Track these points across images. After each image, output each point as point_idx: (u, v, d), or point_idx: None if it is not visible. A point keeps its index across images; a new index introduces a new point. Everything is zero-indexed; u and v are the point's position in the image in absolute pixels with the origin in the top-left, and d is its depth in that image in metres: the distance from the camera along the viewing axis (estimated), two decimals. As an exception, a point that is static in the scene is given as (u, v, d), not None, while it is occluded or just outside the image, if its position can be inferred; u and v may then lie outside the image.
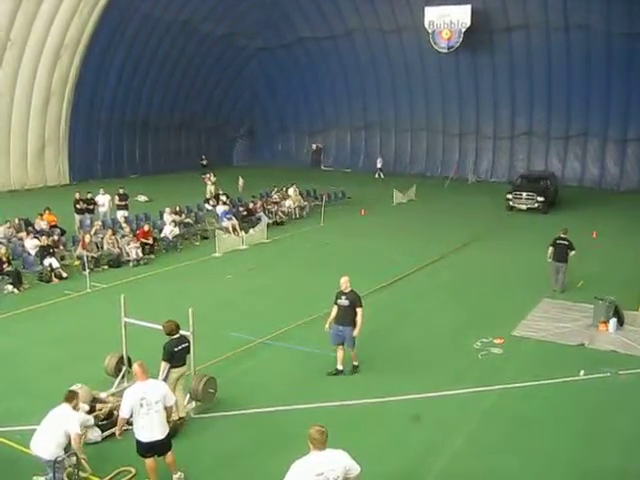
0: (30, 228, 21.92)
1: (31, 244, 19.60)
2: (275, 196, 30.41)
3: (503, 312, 15.85)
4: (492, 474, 9.01)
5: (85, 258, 18.76)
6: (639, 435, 10.10)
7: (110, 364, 11.25)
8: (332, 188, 34.85)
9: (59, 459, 8.01)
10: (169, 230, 23.03)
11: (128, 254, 20.78)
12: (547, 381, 11.86)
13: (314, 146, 53.15)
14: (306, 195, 32.52)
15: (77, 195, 25.28)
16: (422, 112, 46.97)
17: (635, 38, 37.03)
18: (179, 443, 9.14)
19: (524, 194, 31.71)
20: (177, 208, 25.36)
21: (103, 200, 26.12)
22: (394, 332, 14.57)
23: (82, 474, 8.45)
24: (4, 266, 17.92)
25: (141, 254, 20.99)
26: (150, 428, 8.16)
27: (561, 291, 17.56)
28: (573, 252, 17.59)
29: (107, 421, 9.86)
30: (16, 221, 22.67)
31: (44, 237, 19.92)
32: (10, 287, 17.55)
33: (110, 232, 21.25)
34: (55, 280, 18.63)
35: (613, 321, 14.53)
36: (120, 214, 25.27)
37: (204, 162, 46.23)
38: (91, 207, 25.42)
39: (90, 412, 9.66)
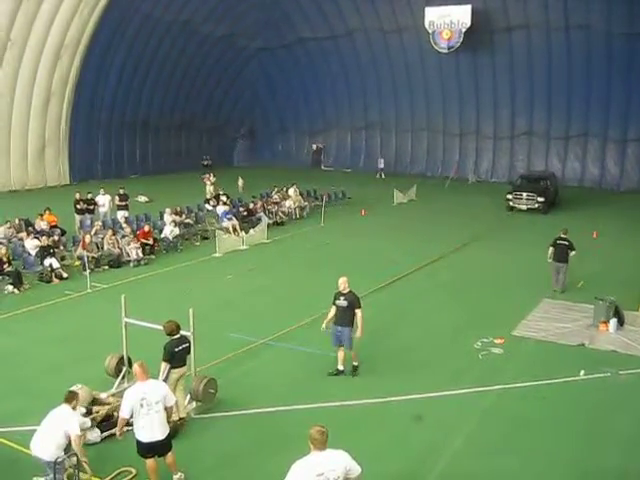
0: (30, 228, 21.93)
1: (31, 244, 19.60)
2: (275, 196, 30.40)
3: (503, 312, 15.85)
4: (493, 474, 9.01)
5: (85, 258, 18.76)
6: (639, 435, 10.10)
7: (110, 364, 11.25)
8: (332, 188, 34.86)
9: (59, 460, 8.00)
10: (169, 230, 23.04)
11: (128, 254, 20.78)
12: (547, 381, 11.86)
13: (314, 146, 53.17)
14: (306, 195, 32.52)
15: (77, 195, 25.27)
16: (422, 112, 47.00)
17: (635, 38, 37.05)
18: (179, 443, 9.14)
19: (524, 194, 31.70)
20: (177, 208, 25.38)
21: (103, 200, 26.12)
22: (394, 332, 14.57)
23: (82, 475, 8.45)
24: (4, 266, 17.92)
25: (141, 254, 20.99)
26: (150, 428, 8.16)
27: (561, 291, 17.56)
28: (573, 252, 17.58)
29: (107, 422, 9.86)
30: (16, 221, 22.67)
31: (44, 237, 19.93)
32: (10, 287, 17.56)
33: (110, 232, 21.25)
34: (55, 280, 18.63)
35: (613, 321, 14.53)
36: (120, 214, 25.27)
37: (207, 162, 46.19)
38: (91, 207, 25.42)
39: (87, 415, 9.65)
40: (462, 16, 40.99)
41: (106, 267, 20.26)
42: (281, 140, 54.67)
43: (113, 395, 10.68)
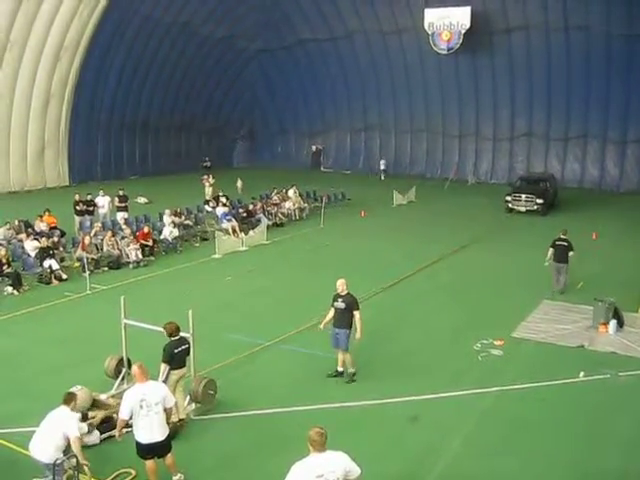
0: (30, 230, 21.92)
1: (31, 246, 19.59)
2: (275, 197, 30.41)
3: (503, 314, 15.85)
4: (492, 475, 9.01)
5: (85, 260, 18.77)
6: (639, 437, 10.10)
7: (110, 366, 11.25)
8: (332, 189, 34.86)
9: (58, 462, 7.99)
10: (168, 231, 23.04)
11: (128, 256, 20.78)
12: (547, 383, 11.86)
13: (314, 147, 53.17)
14: (306, 196, 32.54)
15: (77, 197, 25.28)
16: (422, 113, 47.02)
17: (634, 39, 37.09)
18: (179, 445, 9.14)
19: (523, 196, 31.68)
20: (177, 210, 25.39)
21: (103, 202, 26.14)
22: (394, 334, 14.57)
23: (82, 477, 8.44)
24: (4, 268, 17.92)
25: (141, 256, 20.99)
26: (150, 429, 8.16)
27: (561, 292, 17.56)
28: (572, 253, 17.60)
29: (106, 424, 9.85)
30: (16, 223, 22.67)
31: (44, 239, 19.94)
32: (10, 289, 17.55)
33: (110, 234, 21.24)
34: (55, 282, 18.62)
35: (613, 323, 14.54)
36: (120, 216, 25.29)
37: (207, 164, 46.18)
38: (91, 209, 25.43)
39: (83, 420, 9.65)
40: (461, 17, 41.03)
41: (105, 268, 20.25)
42: (281, 141, 54.68)
43: (113, 396, 10.67)
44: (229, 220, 25.39)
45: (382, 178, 46.03)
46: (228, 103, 51.76)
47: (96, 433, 9.62)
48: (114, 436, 8.87)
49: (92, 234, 21.42)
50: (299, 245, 24.56)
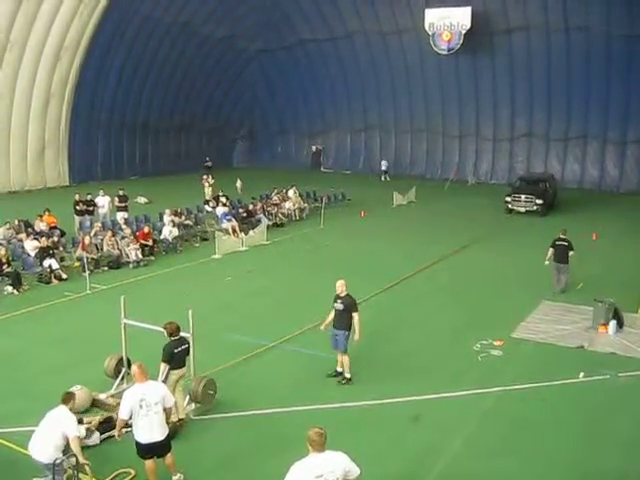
0: (30, 229, 21.93)
1: (31, 245, 19.60)
2: (275, 198, 30.42)
3: (503, 314, 15.84)
4: (492, 476, 9.01)
5: (85, 259, 18.76)
6: (638, 437, 10.10)
7: (110, 365, 11.25)
8: (332, 190, 34.88)
9: (58, 461, 7.99)
10: (168, 231, 23.03)
11: (128, 255, 20.78)
12: (546, 383, 11.86)
13: (314, 148, 53.17)
14: (306, 197, 32.54)
15: (77, 196, 25.28)
16: (422, 114, 47.04)
17: (635, 40, 37.11)
18: (179, 445, 9.14)
19: (523, 197, 31.65)
20: (177, 209, 25.39)
21: (103, 202, 26.14)
22: (394, 334, 14.57)
23: (82, 476, 8.44)
24: (4, 267, 17.92)
25: (141, 256, 20.99)
26: (149, 429, 8.16)
27: (563, 291, 17.57)
28: (572, 252, 17.62)
29: (106, 424, 9.84)
30: (16, 222, 22.67)
31: (44, 238, 19.94)
32: (10, 288, 17.55)
33: (110, 233, 21.25)
34: (55, 281, 18.63)
35: (613, 323, 14.54)
36: (120, 216, 25.30)
37: (208, 164, 46.20)
38: (91, 208, 25.44)
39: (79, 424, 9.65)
40: (462, 18, 41.06)
41: (105, 268, 20.26)
42: (281, 142, 54.69)
43: (112, 396, 10.68)
44: (229, 220, 25.40)
45: (382, 179, 45.94)
46: (228, 103, 51.77)
47: (96, 433, 9.61)
48: (114, 436, 8.87)
49: (92, 234, 21.44)
50: (299, 245, 24.56)
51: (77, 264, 19.86)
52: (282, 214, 29.06)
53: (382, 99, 48.20)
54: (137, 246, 21.07)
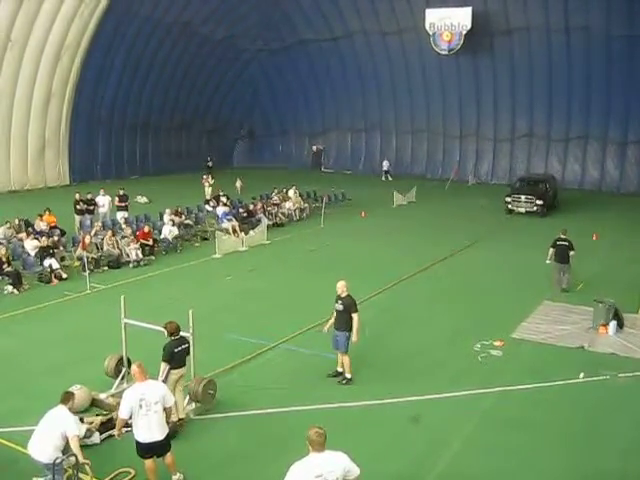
0: (30, 229, 21.93)
1: (31, 245, 19.61)
2: (275, 198, 30.42)
3: (503, 314, 15.85)
4: (491, 476, 9.01)
5: (85, 259, 18.75)
6: (638, 438, 10.10)
7: (110, 365, 11.24)
8: (332, 190, 34.88)
9: (58, 461, 7.99)
10: (168, 230, 23.03)
11: (128, 255, 20.79)
12: (547, 383, 11.86)
13: (314, 148, 53.15)
14: (306, 197, 32.54)
15: (77, 196, 25.29)
16: (423, 114, 47.03)
17: (635, 40, 37.09)
18: (179, 444, 9.14)
19: (523, 197, 31.59)
20: (177, 209, 25.40)
21: (103, 201, 26.14)
22: (394, 334, 14.56)
23: (82, 476, 8.43)
24: (4, 267, 17.93)
25: (141, 255, 21.00)
26: (149, 429, 8.16)
27: (566, 290, 17.60)
28: (572, 252, 17.65)
29: (106, 424, 9.85)
30: (16, 222, 22.67)
31: (44, 238, 19.95)
32: (10, 288, 17.55)
33: (110, 233, 21.25)
34: (55, 281, 18.62)
35: (613, 324, 14.53)
36: (120, 215, 25.30)
37: (210, 164, 46.23)
38: (91, 208, 25.43)
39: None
40: (463, 18, 41.05)
41: (106, 268, 20.25)
42: (281, 141, 54.69)
43: (112, 396, 10.67)
44: (229, 220, 25.40)
45: (383, 179, 45.91)
46: (229, 103, 51.78)
47: (96, 433, 9.61)
48: (114, 435, 8.87)
49: (92, 233, 21.43)
50: (299, 245, 24.55)
51: (77, 264, 19.87)
52: (282, 214, 29.06)
53: (383, 99, 48.20)
54: (137, 246, 21.08)
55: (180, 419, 9.92)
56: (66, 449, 8.15)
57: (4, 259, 18.09)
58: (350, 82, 48.85)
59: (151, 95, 44.50)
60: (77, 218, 24.92)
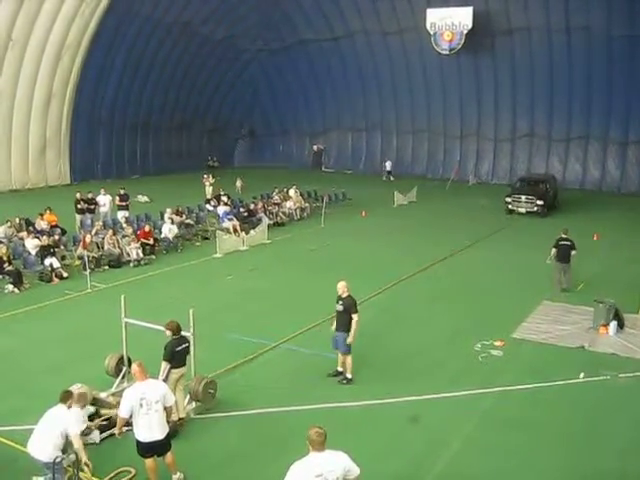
0: (31, 228, 21.94)
1: (32, 244, 19.61)
2: (276, 197, 30.44)
3: (503, 314, 15.84)
4: (491, 476, 9.02)
5: (86, 258, 18.77)
6: (638, 438, 10.10)
7: (110, 364, 11.25)
8: (333, 189, 34.88)
9: (58, 460, 7.99)
10: (168, 229, 23.02)
11: (129, 254, 20.79)
12: (547, 383, 11.86)
13: (315, 147, 53.14)
14: (307, 196, 32.55)
15: (78, 195, 25.30)
16: (423, 114, 47.03)
17: (636, 40, 37.09)
18: (179, 443, 9.15)
19: (523, 197, 31.54)
20: (178, 208, 25.41)
21: (104, 200, 26.14)
22: (394, 334, 14.56)
23: (82, 474, 8.44)
24: (5, 266, 17.93)
25: (142, 254, 21.00)
26: (149, 428, 8.16)
27: (567, 290, 17.62)
28: (574, 252, 17.67)
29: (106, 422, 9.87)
30: (17, 221, 22.68)
31: (45, 237, 19.95)
32: (11, 287, 17.56)
33: (111, 232, 21.26)
34: (56, 280, 18.63)
35: (613, 324, 14.53)
36: (121, 214, 25.30)
37: (214, 164, 46.19)
38: (92, 207, 25.43)
39: (96, 416, 9.68)
40: (464, 18, 41.06)
41: (106, 267, 20.26)
42: (282, 141, 54.70)
43: (113, 395, 10.68)
44: (230, 219, 25.41)
45: (385, 179, 45.83)
46: (229, 103, 51.79)
47: (96, 431, 9.61)
48: (114, 434, 8.88)
49: (93, 232, 21.42)
50: (300, 245, 24.55)
51: (78, 263, 19.87)
52: (283, 213, 29.06)
53: (383, 99, 48.21)
54: (138, 245, 21.09)
55: (180, 418, 9.93)
56: (66, 448, 8.16)
57: (5, 258, 18.10)
58: (351, 82, 48.84)
59: (152, 95, 44.50)
60: (78, 217, 24.93)
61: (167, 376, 9.84)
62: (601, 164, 42.04)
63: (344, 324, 11.62)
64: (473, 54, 42.87)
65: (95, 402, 10.51)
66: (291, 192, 31.16)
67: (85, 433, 9.26)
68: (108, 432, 9.57)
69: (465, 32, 41.17)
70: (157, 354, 9.99)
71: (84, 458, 8.06)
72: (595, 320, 14.82)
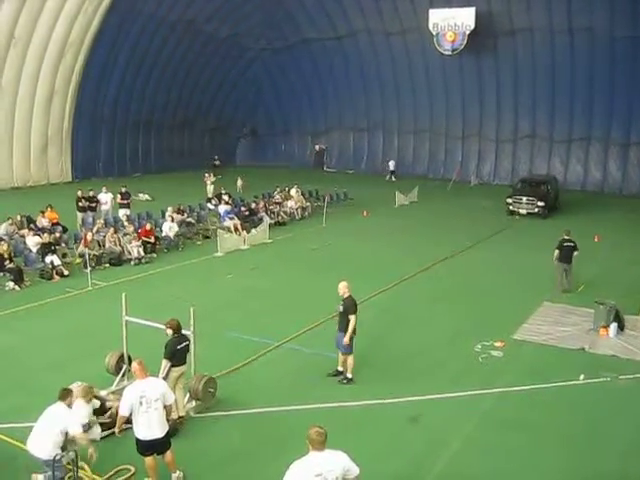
0: (32, 225, 21.96)
1: (33, 241, 19.63)
2: (277, 196, 30.44)
3: (504, 315, 15.83)
4: (490, 476, 9.02)
5: (87, 256, 18.78)
6: (638, 440, 10.10)
7: (111, 362, 11.26)
8: (335, 189, 34.88)
9: (57, 457, 8.00)
10: (168, 227, 23.02)
11: (130, 252, 20.80)
12: (547, 385, 11.86)
13: (317, 147, 53.15)
14: (308, 196, 32.55)
15: (79, 193, 25.32)
16: (425, 114, 47.02)
17: (639, 41, 37.04)
18: (178, 442, 9.15)
19: (524, 199, 31.47)
20: (179, 207, 25.41)
21: (105, 198, 26.15)
22: (394, 334, 14.56)
23: (81, 472, 8.45)
24: (6, 263, 17.94)
25: (142, 253, 21.01)
26: (149, 426, 8.16)
27: (568, 291, 17.62)
28: (577, 252, 17.71)
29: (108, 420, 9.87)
30: (18, 218, 22.68)
31: (46, 234, 19.96)
32: (11, 284, 17.57)
33: (112, 230, 21.28)
34: (56, 277, 18.63)
35: (614, 326, 14.52)
36: (122, 212, 25.30)
37: (217, 162, 46.21)
38: (93, 205, 25.44)
39: (102, 411, 9.73)
40: (466, 18, 41.04)
41: (107, 265, 20.27)
42: (284, 140, 54.71)
43: (113, 393, 10.68)
44: (231, 218, 25.43)
45: (387, 178, 45.77)
46: (231, 101, 51.81)
47: (97, 429, 9.59)
48: (114, 432, 8.88)
49: (94, 230, 21.45)
50: (301, 244, 24.55)
51: (79, 260, 19.88)
52: (284, 213, 29.06)
53: (385, 99, 48.20)
54: (139, 243, 21.10)
55: (180, 417, 9.93)
56: (65, 445, 8.17)
57: (6, 255, 18.11)
58: (353, 81, 48.84)
59: (154, 93, 44.49)
60: (79, 215, 24.94)
61: (167, 374, 9.84)
62: (602, 165, 42.01)
63: (344, 325, 11.62)
64: (475, 55, 42.86)
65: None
66: (292, 191, 31.16)
67: (84, 430, 9.25)
68: (108, 431, 9.54)
69: (467, 33, 41.17)
70: (157, 352, 9.99)
71: (90, 449, 8.08)
72: (595, 322, 14.81)
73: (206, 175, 35.09)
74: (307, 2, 46.08)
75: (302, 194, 31.56)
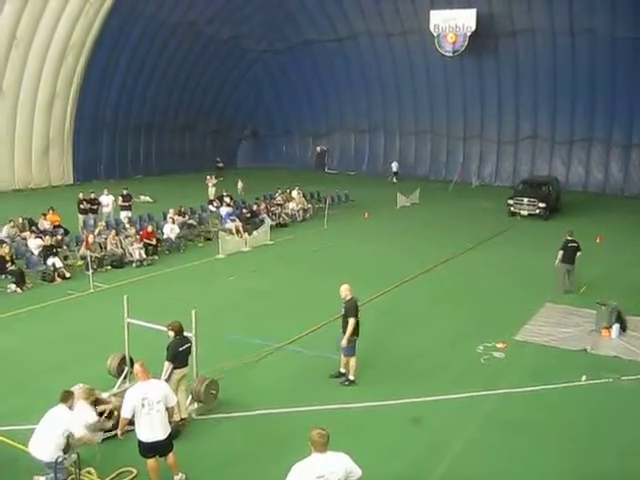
0: (34, 228, 21.99)
1: (34, 244, 19.65)
2: (279, 198, 30.45)
3: (506, 317, 15.82)
4: (493, 478, 9.01)
5: (88, 258, 18.78)
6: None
7: (112, 364, 11.26)
8: (336, 191, 34.87)
9: (59, 460, 8.00)
10: (169, 229, 23.02)
11: (131, 255, 20.81)
12: (549, 386, 11.85)
13: (318, 148, 53.15)
14: (310, 197, 32.55)
15: (81, 195, 25.34)
16: (427, 115, 46.99)
17: (640, 42, 37.05)
18: (181, 444, 9.14)
19: (525, 200, 31.43)
20: (181, 209, 25.42)
21: (107, 200, 26.17)
22: (396, 336, 14.55)
23: (84, 474, 8.45)
24: (8, 265, 17.98)
25: (144, 255, 21.01)
26: (151, 428, 8.16)
27: (570, 291, 17.63)
28: (579, 253, 17.74)
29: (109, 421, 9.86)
30: (20, 220, 22.73)
31: (47, 237, 20.00)
32: (13, 286, 17.60)
33: (113, 232, 21.28)
34: (58, 280, 18.65)
35: (616, 327, 14.50)
36: (123, 215, 25.33)
37: (220, 164, 46.24)
38: (95, 207, 25.48)
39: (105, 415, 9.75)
40: (467, 20, 41.00)
41: (109, 267, 20.29)
42: (285, 142, 54.72)
43: (115, 395, 10.68)
44: (233, 220, 25.43)
45: (389, 180, 45.70)
46: (233, 103, 51.82)
47: (99, 433, 9.60)
48: (116, 435, 8.88)
49: (96, 233, 21.46)
50: (302, 246, 24.55)
51: (80, 263, 19.90)
52: (286, 214, 29.07)
53: (387, 100, 48.18)
54: (140, 245, 21.11)
55: (182, 419, 9.93)
56: (67, 448, 8.17)
57: (8, 258, 18.14)
58: (354, 83, 48.82)
59: (155, 95, 44.50)
60: (81, 217, 24.97)
61: (169, 376, 9.84)
62: (604, 167, 41.95)
63: (344, 327, 11.61)
64: (476, 56, 42.83)
65: (96, 402, 10.50)
66: (294, 193, 31.17)
67: (93, 429, 9.23)
68: (110, 433, 9.55)
69: (468, 34, 41.12)
70: (159, 354, 9.99)
71: (97, 438, 8.11)
72: (597, 323, 14.79)
73: (208, 177, 35.11)
74: (308, 4, 46.10)
75: (303, 196, 31.56)
